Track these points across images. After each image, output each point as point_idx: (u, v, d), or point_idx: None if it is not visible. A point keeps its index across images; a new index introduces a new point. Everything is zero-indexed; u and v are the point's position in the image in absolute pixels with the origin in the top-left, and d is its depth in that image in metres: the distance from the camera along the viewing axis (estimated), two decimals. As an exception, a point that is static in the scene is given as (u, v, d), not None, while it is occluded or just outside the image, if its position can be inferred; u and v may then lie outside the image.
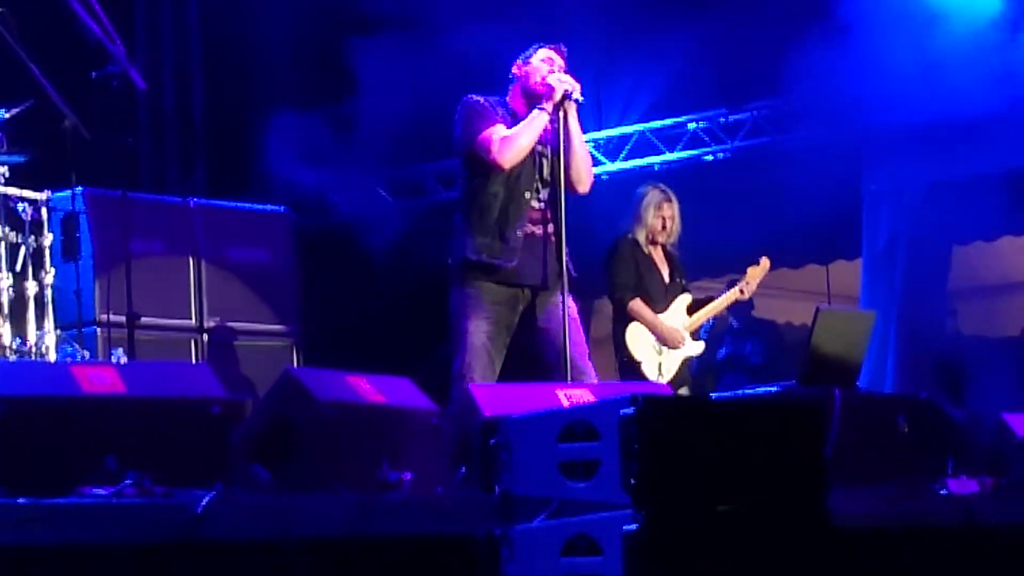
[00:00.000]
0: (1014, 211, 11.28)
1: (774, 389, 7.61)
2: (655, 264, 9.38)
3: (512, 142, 7.58)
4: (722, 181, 12.40)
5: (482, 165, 7.65)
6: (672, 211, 9.45)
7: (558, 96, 7.57)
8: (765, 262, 9.77)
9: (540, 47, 7.82)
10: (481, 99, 7.78)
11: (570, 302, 7.63)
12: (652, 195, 9.49)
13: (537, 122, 7.60)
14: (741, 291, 9.57)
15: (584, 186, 7.89)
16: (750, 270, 9.68)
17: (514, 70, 7.85)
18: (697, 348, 9.34)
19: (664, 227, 9.42)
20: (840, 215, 12.03)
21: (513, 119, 7.69)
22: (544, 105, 7.60)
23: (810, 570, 3.98)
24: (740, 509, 3.92)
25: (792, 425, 4.15)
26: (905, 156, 11.53)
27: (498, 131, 7.61)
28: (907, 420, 6.50)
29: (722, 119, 12.41)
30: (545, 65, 7.73)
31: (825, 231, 12.55)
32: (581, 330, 7.84)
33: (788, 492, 4.02)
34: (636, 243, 9.37)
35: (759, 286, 9.71)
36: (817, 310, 8.16)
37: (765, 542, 3.93)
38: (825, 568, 4.00)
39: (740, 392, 8.78)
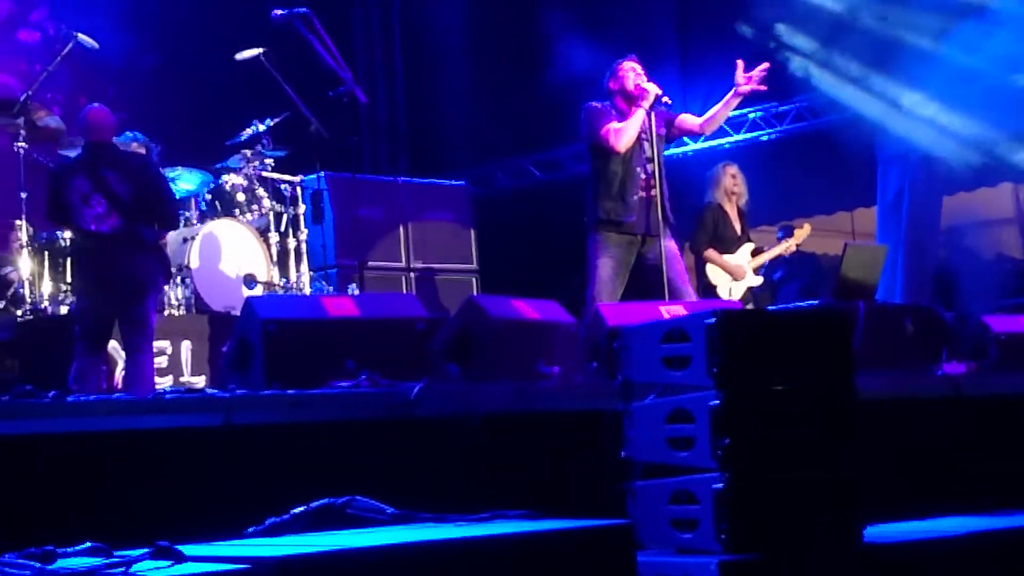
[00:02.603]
0: (986, 168, 11.10)
1: (815, 303, 7.54)
2: (729, 219, 9.26)
3: (624, 133, 7.59)
4: (775, 156, 12.25)
5: (604, 150, 7.65)
6: (739, 178, 9.36)
7: (652, 99, 7.58)
8: (807, 227, 9.66)
9: (622, 61, 7.82)
10: (599, 104, 7.76)
11: (671, 243, 7.65)
12: (723, 168, 9.42)
13: (638, 117, 7.60)
14: (787, 248, 9.47)
15: (709, 129, 8.34)
16: (796, 231, 9.58)
17: (610, 83, 7.82)
18: (756, 280, 9.22)
19: (735, 191, 9.32)
20: (861, 175, 11.88)
21: (621, 116, 7.68)
22: (642, 104, 7.60)
23: (841, 431, 3.96)
24: (791, 388, 3.89)
25: (828, 328, 4.11)
26: (906, 131, 11.34)
27: (614, 126, 7.62)
28: (912, 323, 6.43)
29: (773, 109, 12.24)
30: (632, 74, 7.73)
31: (849, 187, 12.43)
32: (682, 262, 7.86)
33: (826, 376, 3.98)
34: (716, 206, 9.27)
35: (803, 239, 9.58)
36: (845, 245, 8.04)
37: (809, 412, 3.91)
38: (852, 429, 3.98)
39: (790, 305, 8.70)
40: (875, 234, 12.17)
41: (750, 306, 8.89)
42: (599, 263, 7.60)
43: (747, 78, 7.81)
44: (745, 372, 3.82)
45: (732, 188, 9.31)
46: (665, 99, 7.66)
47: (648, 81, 7.70)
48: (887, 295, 10.44)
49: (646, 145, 7.66)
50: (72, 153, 8.15)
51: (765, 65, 7.92)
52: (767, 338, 3.95)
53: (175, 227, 8.10)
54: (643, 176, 7.66)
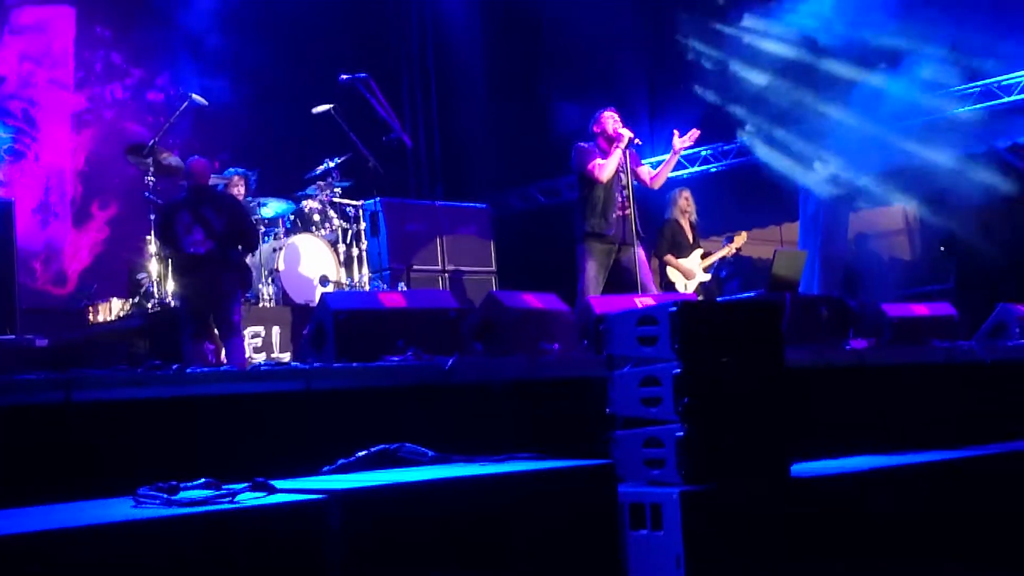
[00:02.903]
0: (880, 192, 11.08)
1: (753, 295, 7.51)
2: (684, 231, 9.22)
3: (605, 168, 7.57)
4: (721, 183, 12.23)
5: (590, 181, 7.63)
6: (690, 200, 9.32)
7: (626, 141, 7.56)
8: (744, 235, 9.55)
9: (603, 110, 7.80)
10: (585, 144, 7.75)
11: (641, 251, 7.63)
12: (679, 192, 9.36)
13: (616, 155, 7.59)
14: (729, 251, 9.42)
15: (657, 185, 8.02)
16: (736, 238, 9.50)
17: (594, 127, 7.80)
18: (706, 277, 9.17)
19: (687, 209, 9.29)
20: (786, 197, 11.85)
21: (603, 154, 7.66)
22: (619, 144, 7.58)
23: (774, 391, 3.94)
24: (736, 359, 3.88)
25: (763, 314, 4.09)
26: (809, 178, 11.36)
27: (598, 162, 7.61)
28: (826, 309, 6.40)
29: (720, 148, 12.19)
30: (611, 121, 7.71)
31: (778, 206, 12.39)
32: (648, 266, 7.83)
33: (762, 349, 3.97)
34: (673, 221, 9.22)
35: (742, 245, 9.53)
36: (775, 251, 8.05)
37: (749, 377, 3.90)
38: (782, 389, 3.96)
39: (734, 297, 8.68)
40: (798, 242, 12.14)
41: (702, 298, 8.86)
42: (587, 266, 7.59)
43: (682, 141, 7.80)
44: (700, 348, 3.81)
45: (685, 208, 9.28)
46: (636, 141, 7.66)
47: (624, 127, 7.67)
48: (807, 288, 10.42)
49: (622, 176, 7.64)
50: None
51: (695, 132, 7.90)
52: (716, 322, 3.95)
53: (256, 249, 8.14)
54: (620, 199, 7.64)
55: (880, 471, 4.27)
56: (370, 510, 2.91)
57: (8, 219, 8.09)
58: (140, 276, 8.76)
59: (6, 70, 10.89)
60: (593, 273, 7.57)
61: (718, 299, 8.31)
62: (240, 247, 7.62)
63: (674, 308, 3.80)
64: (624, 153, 7.60)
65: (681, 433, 3.71)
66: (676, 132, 7.87)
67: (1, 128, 10.73)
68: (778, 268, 7.63)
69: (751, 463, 3.85)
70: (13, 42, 11.00)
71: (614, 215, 7.61)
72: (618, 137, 7.61)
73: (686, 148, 7.99)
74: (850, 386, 5.56)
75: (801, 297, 6.79)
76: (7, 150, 10.77)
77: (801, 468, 4.08)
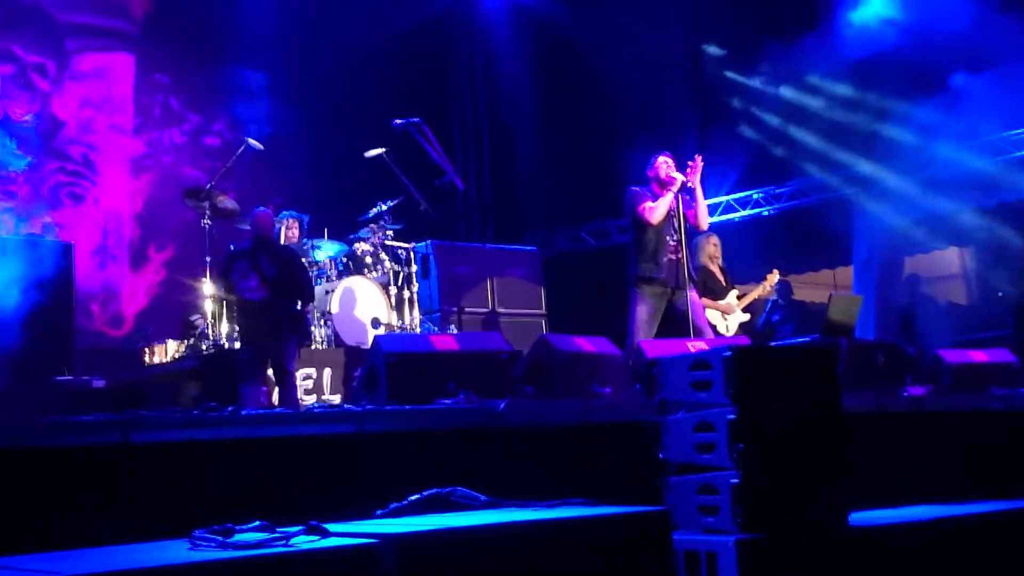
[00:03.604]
0: (935, 236, 10.98)
1: (807, 339, 7.44)
2: (715, 276, 9.10)
3: (657, 211, 7.57)
4: (774, 226, 12.19)
5: (642, 224, 7.63)
6: (718, 246, 9.18)
7: (677, 185, 7.56)
8: (776, 272, 9.41)
9: (657, 156, 7.79)
10: (638, 188, 7.75)
11: (694, 294, 7.59)
12: (707, 239, 9.14)
13: (668, 199, 7.58)
14: (763, 289, 9.32)
15: (704, 225, 7.93)
16: (768, 276, 9.37)
17: (648, 172, 7.79)
18: (744, 317, 9.09)
19: (716, 256, 9.20)
20: (839, 241, 11.78)
21: (655, 198, 7.65)
22: (671, 188, 7.58)
23: (830, 438, 3.88)
24: (791, 405, 3.83)
25: (818, 359, 4.04)
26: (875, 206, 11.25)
27: (649, 204, 7.61)
28: (883, 355, 6.32)
29: (772, 191, 12.17)
30: (664, 166, 7.69)
31: (831, 250, 12.32)
32: (702, 309, 7.77)
33: (818, 395, 3.92)
34: (703, 267, 9.00)
35: (775, 282, 9.40)
36: (831, 295, 7.98)
37: (805, 423, 3.84)
38: (839, 436, 3.90)
39: (788, 341, 8.60)
40: (852, 286, 12.03)
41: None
42: (638, 309, 7.54)
43: (691, 175, 7.71)
44: (755, 393, 3.76)
45: (714, 254, 9.19)
46: (690, 184, 7.64)
47: (676, 171, 7.67)
48: (863, 333, 10.30)
49: (674, 220, 7.63)
50: (244, 226, 8.45)
51: (698, 161, 7.76)
52: (772, 367, 3.90)
53: (312, 300, 8.23)
54: (672, 243, 7.62)
55: (941, 521, 4.18)
56: (423, 555, 2.90)
57: (68, 261, 8.24)
58: (193, 318, 8.87)
59: (67, 115, 11.14)
60: (644, 316, 7.53)
61: (772, 344, 8.23)
62: (299, 300, 7.85)
63: (728, 353, 3.76)
64: (677, 197, 7.59)
65: (736, 480, 3.66)
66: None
67: (62, 172, 10.95)
68: (834, 313, 7.56)
69: (808, 511, 3.79)
70: (74, 88, 11.25)
71: (665, 259, 7.58)
72: (671, 181, 7.60)
73: (696, 176, 7.87)
74: (908, 433, 5.47)
75: (857, 342, 6.72)
76: (67, 194, 10.99)
77: (859, 517, 4.01)
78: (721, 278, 9.21)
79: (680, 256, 7.60)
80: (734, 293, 9.18)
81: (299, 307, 7.88)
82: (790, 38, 11.23)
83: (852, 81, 11.12)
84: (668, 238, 7.64)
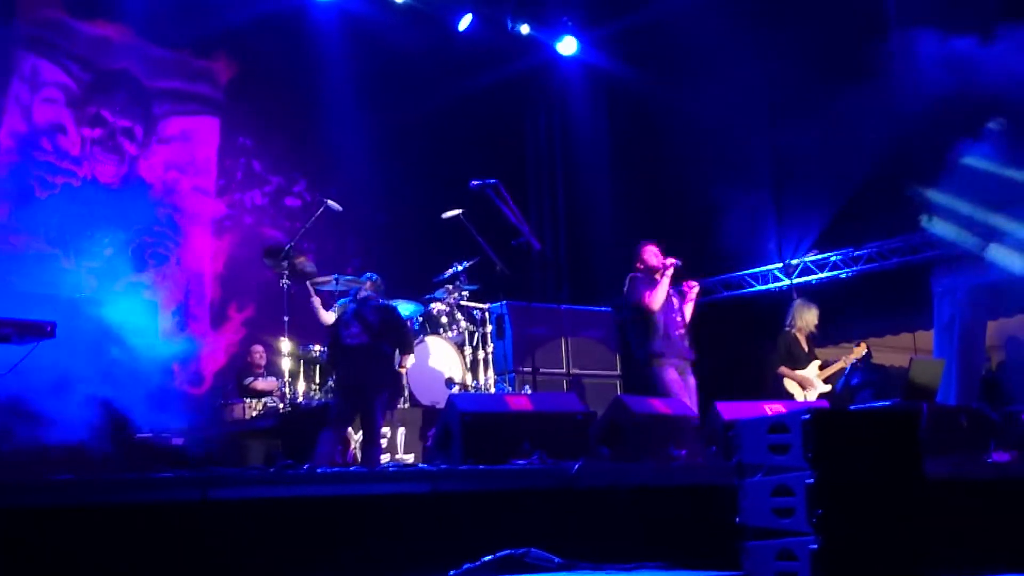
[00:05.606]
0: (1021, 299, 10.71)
1: (887, 404, 7.32)
2: (800, 343, 9.04)
3: (657, 297, 7.92)
4: (852, 289, 12.01)
5: (646, 309, 7.93)
6: (816, 317, 9.15)
7: (671, 270, 7.93)
8: (863, 345, 9.26)
9: (643, 246, 8.19)
10: (638, 275, 8.10)
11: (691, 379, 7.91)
12: (807, 307, 9.16)
13: (665, 284, 7.95)
14: (847, 361, 9.17)
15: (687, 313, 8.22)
16: (855, 349, 9.21)
17: (637, 264, 8.14)
18: (825, 388, 8.95)
19: (809, 327, 9.12)
20: (920, 304, 11.56)
21: (653, 284, 7.97)
22: (667, 274, 7.95)
23: (913, 504, 3.81)
24: (872, 470, 3.78)
25: (899, 424, 3.99)
26: (956, 268, 11.02)
27: (647, 293, 7.93)
28: (966, 420, 6.19)
29: (850, 253, 12.01)
30: (652, 256, 8.10)
31: (911, 314, 12.08)
32: (695, 391, 7.94)
33: (898, 460, 3.86)
34: (791, 334, 9.04)
35: (869, 349, 9.28)
36: (911, 359, 7.85)
37: (886, 489, 3.79)
38: (921, 503, 3.83)
39: (867, 405, 8.45)
40: (933, 350, 11.80)
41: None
42: (667, 376, 7.77)
43: (689, 297, 8.12)
44: (834, 457, 3.72)
45: (810, 324, 9.11)
46: (678, 264, 7.97)
47: (665, 257, 8.03)
48: (945, 398, 10.08)
49: (675, 299, 8.04)
50: (326, 287, 8.64)
51: (695, 287, 8.19)
52: (851, 431, 3.86)
53: (411, 352, 8.23)
54: (679, 320, 8.02)
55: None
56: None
57: (155, 319, 8.42)
58: (247, 380, 9.01)
59: (153, 178, 11.45)
60: (676, 376, 7.79)
61: (851, 408, 8.10)
62: (398, 351, 7.90)
63: (807, 416, 3.73)
64: (670, 280, 7.96)
65: (815, 546, 3.61)
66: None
67: (147, 233, 11.24)
68: (915, 376, 7.44)
69: (889, 579, 3.72)
70: (160, 151, 11.58)
71: (676, 333, 7.96)
72: (664, 267, 7.96)
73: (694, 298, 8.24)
74: (991, 501, 5.33)
75: (939, 407, 6.60)
76: (151, 254, 11.27)
77: (943, 587, 3.92)
78: (805, 346, 9.10)
79: (686, 332, 8.01)
80: (816, 364, 9.05)
81: (398, 359, 7.90)
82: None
83: None
84: (675, 316, 8.03)
